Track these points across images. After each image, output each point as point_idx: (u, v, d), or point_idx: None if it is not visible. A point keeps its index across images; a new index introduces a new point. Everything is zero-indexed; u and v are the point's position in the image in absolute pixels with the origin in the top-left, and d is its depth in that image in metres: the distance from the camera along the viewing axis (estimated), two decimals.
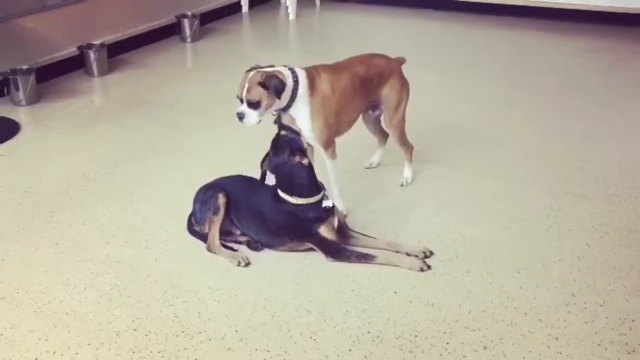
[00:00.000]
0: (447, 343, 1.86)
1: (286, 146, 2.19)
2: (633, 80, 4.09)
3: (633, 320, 1.95)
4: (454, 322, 1.94)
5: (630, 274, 2.16)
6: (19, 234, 2.40)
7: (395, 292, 2.07)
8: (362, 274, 2.16)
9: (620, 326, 1.92)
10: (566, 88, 3.94)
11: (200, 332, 1.90)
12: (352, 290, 2.08)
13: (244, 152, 2.97)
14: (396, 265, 2.19)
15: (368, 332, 1.90)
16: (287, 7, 5.79)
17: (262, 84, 2.20)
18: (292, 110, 2.31)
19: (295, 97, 2.27)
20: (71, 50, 4.14)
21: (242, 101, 2.25)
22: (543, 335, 1.89)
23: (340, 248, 2.22)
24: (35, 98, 3.69)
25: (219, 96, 3.78)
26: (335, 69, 2.46)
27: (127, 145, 3.17)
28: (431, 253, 2.26)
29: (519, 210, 2.55)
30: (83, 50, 4.13)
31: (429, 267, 2.18)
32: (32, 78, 3.65)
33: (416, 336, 1.89)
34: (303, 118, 2.32)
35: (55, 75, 4.05)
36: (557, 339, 1.87)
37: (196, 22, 4.94)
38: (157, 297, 2.05)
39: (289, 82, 2.25)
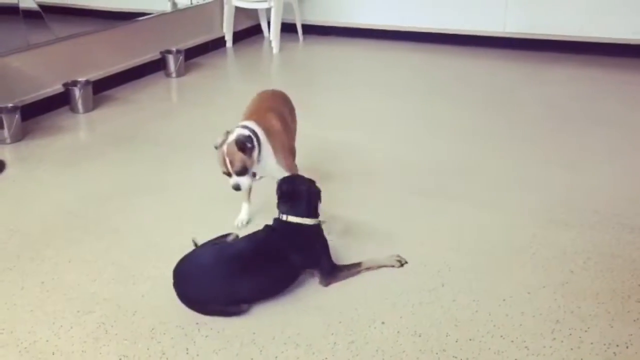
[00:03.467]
0: None
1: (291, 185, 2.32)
2: (613, 109, 4.20)
3: (617, 345, 1.97)
4: (441, 352, 1.95)
5: (614, 299, 2.19)
6: (3, 273, 2.38)
7: (383, 323, 2.08)
8: (350, 305, 2.17)
9: (605, 352, 1.95)
10: (547, 117, 4.03)
11: None
12: (340, 322, 2.09)
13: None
14: (379, 266, 2.37)
15: None
16: (270, 42, 5.89)
17: (241, 151, 2.35)
18: (262, 160, 2.46)
19: (261, 147, 2.44)
20: (56, 88, 4.16)
21: (230, 175, 2.37)
22: None
23: (335, 267, 2.31)
24: (20, 136, 3.70)
25: (205, 130, 3.81)
26: (270, 109, 2.65)
27: (113, 181, 3.18)
28: (405, 262, 2.38)
29: (503, 239, 2.59)
30: (68, 87, 4.15)
31: (405, 262, 2.40)
32: (17, 116, 3.66)
33: None
34: (271, 160, 2.50)
35: (40, 112, 4.07)
36: None
37: (181, 57, 5.00)
38: (145, 334, 2.04)
39: (253, 139, 2.41)
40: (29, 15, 4.14)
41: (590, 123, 3.91)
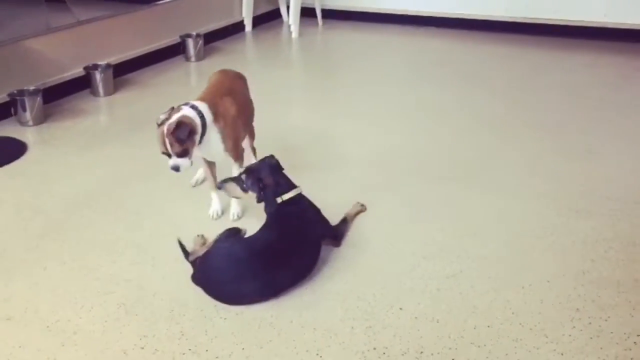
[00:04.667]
0: (453, 359, 1.87)
1: (257, 171, 2.31)
2: (634, 95, 4.13)
3: (638, 335, 1.95)
4: (459, 338, 1.95)
5: (634, 288, 2.17)
6: (27, 253, 2.42)
7: (401, 309, 2.08)
8: (368, 290, 2.18)
9: (625, 341, 1.93)
10: (567, 104, 3.97)
11: (207, 350, 1.91)
12: (358, 307, 2.10)
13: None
14: (355, 214, 2.63)
15: (374, 349, 1.91)
16: (289, 26, 5.86)
17: (183, 134, 2.27)
18: (205, 139, 2.40)
19: (205, 129, 2.38)
20: (77, 71, 4.19)
21: (169, 155, 2.30)
22: (548, 351, 1.89)
23: (336, 226, 2.47)
24: (42, 118, 3.74)
25: None
26: (229, 92, 2.57)
27: (133, 164, 3.20)
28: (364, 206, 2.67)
29: (522, 226, 2.57)
30: (89, 70, 4.18)
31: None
32: (38, 99, 3.70)
33: (422, 352, 1.90)
34: (216, 143, 2.46)
35: (61, 95, 4.10)
36: (562, 354, 1.88)
37: (200, 41, 5.00)
38: (164, 315, 2.06)
39: (197, 121, 2.34)
40: None
41: (611, 111, 3.84)
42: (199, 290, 2.16)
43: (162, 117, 2.32)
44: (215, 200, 2.66)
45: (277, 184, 2.29)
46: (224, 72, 2.79)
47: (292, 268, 2.17)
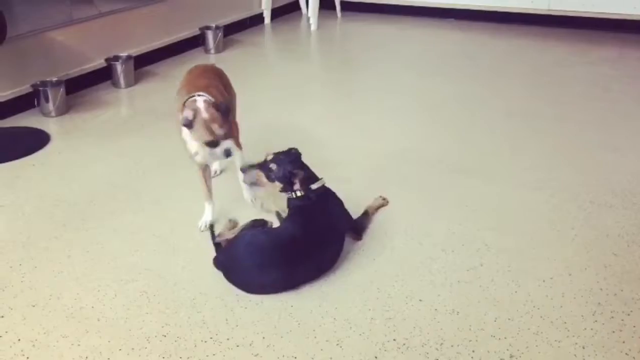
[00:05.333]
0: (473, 351, 1.87)
1: (286, 162, 2.28)
2: None
3: None
4: (479, 331, 1.95)
5: None
6: (51, 242, 2.46)
7: (421, 300, 2.08)
8: (387, 282, 2.18)
9: None
10: (590, 98, 3.92)
11: (228, 339, 1.93)
12: (377, 298, 2.10)
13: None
14: (377, 208, 2.63)
15: (394, 340, 1.91)
16: (308, 18, 5.86)
17: (220, 112, 2.22)
18: None
19: None
20: (99, 63, 4.23)
21: (216, 144, 2.24)
22: (570, 344, 1.88)
23: (358, 219, 2.47)
24: (64, 109, 3.78)
25: (242, 106, 3.83)
26: (210, 85, 2.47)
27: (154, 154, 3.23)
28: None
29: (544, 219, 2.55)
30: (110, 62, 4.22)
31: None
32: (61, 90, 3.74)
33: (442, 344, 1.89)
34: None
35: (83, 86, 4.14)
36: (584, 347, 1.87)
37: (220, 33, 5.02)
38: (186, 304, 2.08)
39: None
40: None
41: (636, 104, 3.79)
42: (219, 280, 2.18)
43: (187, 113, 2.22)
44: (208, 211, 2.52)
45: (308, 176, 2.28)
46: (197, 67, 2.75)
47: (315, 262, 2.18)
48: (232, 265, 2.15)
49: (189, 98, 2.31)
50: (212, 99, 2.29)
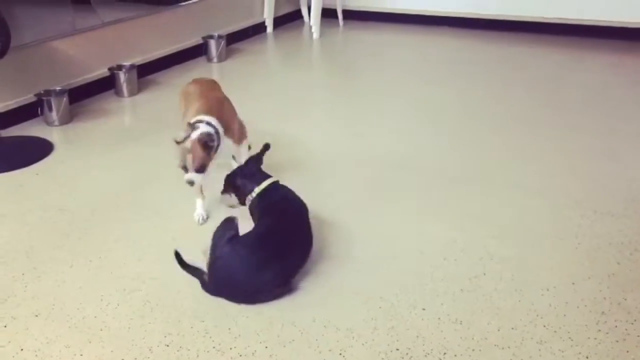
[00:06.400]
0: None
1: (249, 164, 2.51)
2: None
3: None
4: (482, 340, 1.94)
5: None
6: (53, 251, 2.46)
7: (424, 309, 2.08)
8: (390, 291, 2.18)
9: None
10: (591, 105, 3.93)
11: (230, 348, 1.93)
12: (380, 307, 2.10)
13: (275, 171, 3.02)
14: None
15: (397, 349, 1.91)
16: (310, 27, 5.88)
17: (204, 150, 2.42)
18: (219, 149, 2.54)
19: (220, 142, 2.52)
20: (102, 72, 4.25)
21: (186, 170, 2.44)
22: (573, 354, 1.88)
23: None
24: (67, 118, 3.80)
25: (245, 116, 3.84)
26: (223, 98, 2.81)
27: (157, 164, 3.24)
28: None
29: (547, 227, 2.55)
30: (113, 71, 4.24)
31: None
32: (65, 99, 3.76)
33: (445, 353, 1.89)
34: (227, 148, 2.66)
35: (86, 96, 4.16)
36: (587, 357, 1.86)
37: (222, 42, 5.04)
38: (188, 314, 2.08)
39: (214, 137, 2.47)
40: (77, 0, 4.22)
41: (636, 111, 3.80)
42: None
43: (183, 135, 2.43)
44: (199, 206, 2.69)
45: (251, 179, 2.43)
46: (202, 80, 2.96)
47: (296, 248, 2.23)
48: (228, 285, 2.13)
49: (197, 121, 2.49)
50: (209, 134, 2.44)
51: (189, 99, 2.79)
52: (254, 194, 2.40)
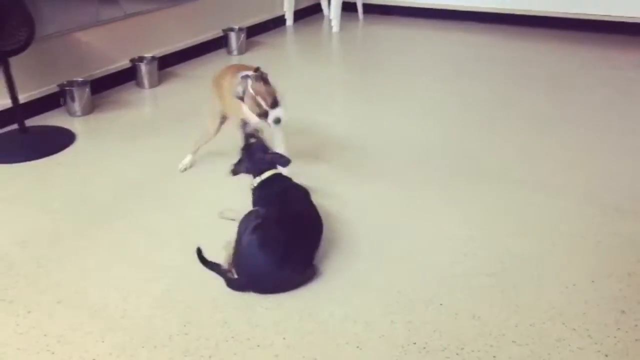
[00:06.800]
0: (494, 357, 1.86)
1: (259, 149, 2.42)
2: None
3: None
4: (500, 336, 1.94)
5: None
6: (77, 240, 2.50)
7: (441, 304, 2.08)
8: (408, 285, 2.18)
9: None
10: (615, 103, 3.89)
11: (249, 339, 1.95)
12: (398, 302, 2.10)
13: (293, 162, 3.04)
14: None
15: (414, 343, 1.92)
16: (330, 21, 5.87)
17: (266, 84, 2.43)
18: None
19: None
20: (123, 63, 4.29)
21: (266, 114, 2.42)
22: (592, 352, 1.87)
23: None
24: (89, 109, 3.84)
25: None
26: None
27: (177, 155, 3.25)
28: None
29: (567, 225, 2.53)
30: (135, 63, 4.27)
31: None
32: (87, 90, 3.80)
33: (462, 348, 1.89)
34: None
35: (108, 87, 4.20)
36: (607, 355, 1.86)
37: (242, 35, 5.06)
38: (208, 303, 2.11)
39: None
40: None
41: None
42: None
43: (240, 87, 2.44)
44: (188, 159, 3.04)
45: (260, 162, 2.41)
46: (232, 66, 2.93)
47: (312, 230, 2.28)
48: (259, 273, 2.13)
49: (243, 75, 2.49)
50: (260, 73, 2.45)
51: (223, 80, 2.79)
52: (257, 179, 2.41)
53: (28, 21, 3.15)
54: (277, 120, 2.42)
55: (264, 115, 2.41)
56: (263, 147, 2.45)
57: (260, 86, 2.40)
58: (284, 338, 1.95)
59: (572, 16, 5.46)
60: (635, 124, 3.55)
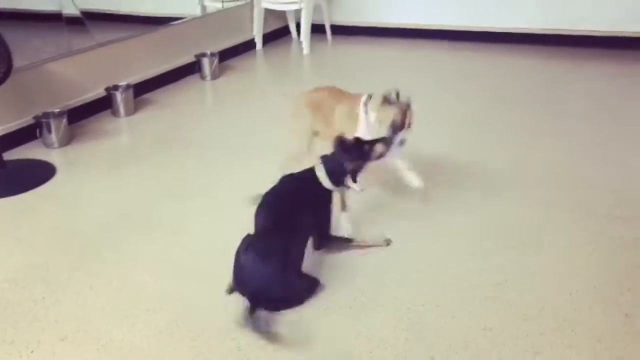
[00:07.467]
0: None
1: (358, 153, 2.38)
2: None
3: None
4: (513, 346, 1.96)
5: None
6: (71, 273, 2.43)
7: (453, 317, 2.10)
8: (416, 301, 2.19)
9: None
10: (592, 113, 4.02)
11: None
12: (409, 318, 2.11)
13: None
14: (367, 246, 2.50)
15: (431, 358, 1.92)
16: (299, 43, 5.92)
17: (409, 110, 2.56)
18: None
19: None
20: (98, 92, 4.22)
21: (400, 128, 2.54)
22: (604, 357, 1.91)
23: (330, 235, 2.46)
24: (67, 140, 3.76)
25: (243, 132, 3.88)
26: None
27: (161, 183, 3.22)
28: (390, 241, 2.55)
29: (561, 235, 2.59)
30: (110, 91, 4.21)
31: (390, 241, 2.54)
32: (64, 121, 3.72)
33: None
34: None
35: (83, 117, 4.12)
36: (620, 358, 1.89)
37: (215, 60, 5.05)
38: (217, 329, 2.07)
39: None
40: (72, 21, 4.20)
41: (636, 119, 3.90)
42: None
43: (393, 97, 2.60)
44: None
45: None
46: (326, 87, 3.00)
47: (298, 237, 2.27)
48: (259, 291, 2.12)
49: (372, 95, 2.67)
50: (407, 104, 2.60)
51: (325, 103, 2.82)
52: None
53: (6, 55, 3.09)
54: (403, 142, 2.54)
55: (398, 129, 2.53)
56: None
57: (404, 106, 2.56)
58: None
59: (538, 31, 5.64)
60: (611, 132, 3.67)
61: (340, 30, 6.35)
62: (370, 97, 2.67)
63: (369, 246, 2.52)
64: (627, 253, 2.43)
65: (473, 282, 2.29)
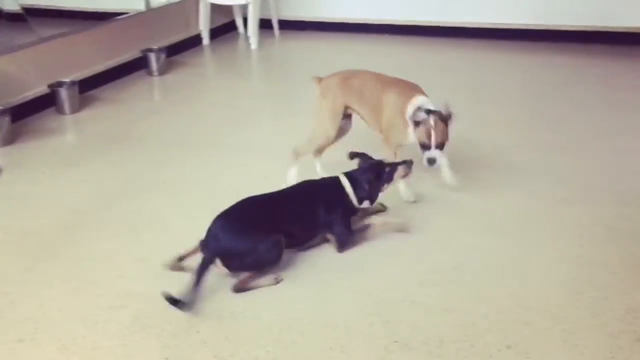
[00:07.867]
0: (472, 345, 1.95)
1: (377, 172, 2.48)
2: (590, 93, 4.39)
3: (635, 311, 2.09)
4: (474, 326, 2.04)
5: (624, 269, 2.32)
6: (25, 275, 2.36)
7: (413, 302, 2.15)
8: (377, 286, 2.24)
9: (626, 317, 2.06)
10: (529, 102, 4.18)
11: (232, 355, 1.92)
12: (373, 303, 2.15)
13: (232, 180, 3.04)
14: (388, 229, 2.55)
15: (395, 342, 1.97)
16: (247, 38, 5.89)
17: (446, 125, 2.50)
18: None
19: None
20: (42, 89, 4.09)
21: (429, 147, 2.46)
22: (558, 331, 2.00)
23: (352, 236, 2.45)
24: (10, 139, 3.63)
25: (193, 127, 3.86)
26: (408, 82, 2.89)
27: (113, 180, 3.15)
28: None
29: (512, 219, 2.70)
30: (54, 88, 4.08)
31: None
32: (7, 119, 3.59)
33: (442, 341, 1.97)
34: None
35: (26, 114, 3.99)
36: (571, 333, 1.99)
37: (162, 55, 4.97)
38: (182, 325, 2.06)
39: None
40: (12, 18, 4.05)
41: (571, 107, 4.08)
42: (213, 299, 2.17)
43: (422, 115, 2.48)
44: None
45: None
46: (366, 71, 3.05)
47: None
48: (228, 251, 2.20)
49: (416, 99, 2.58)
50: (444, 112, 2.53)
51: (365, 87, 2.81)
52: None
53: None
54: (431, 161, 2.50)
55: (426, 148, 2.49)
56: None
57: (440, 124, 2.47)
58: (267, 351, 1.94)
59: (476, 25, 5.80)
60: (550, 121, 3.84)
61: (288, 25, 6.35)
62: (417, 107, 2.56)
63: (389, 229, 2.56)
64: (574, 234, 2.56)
65: (432, 266, 2.36)
